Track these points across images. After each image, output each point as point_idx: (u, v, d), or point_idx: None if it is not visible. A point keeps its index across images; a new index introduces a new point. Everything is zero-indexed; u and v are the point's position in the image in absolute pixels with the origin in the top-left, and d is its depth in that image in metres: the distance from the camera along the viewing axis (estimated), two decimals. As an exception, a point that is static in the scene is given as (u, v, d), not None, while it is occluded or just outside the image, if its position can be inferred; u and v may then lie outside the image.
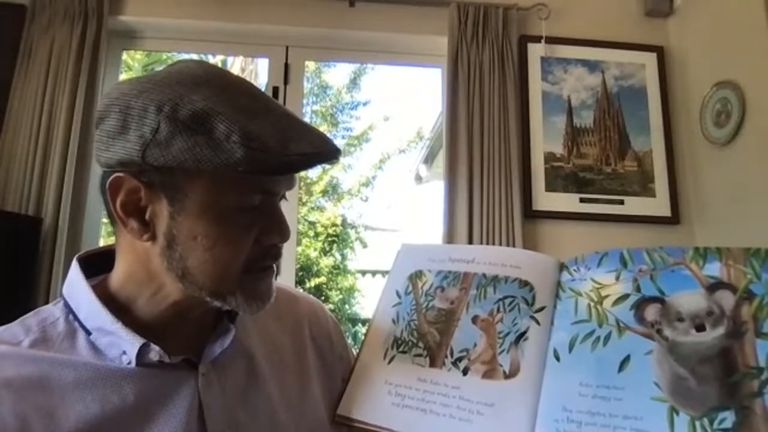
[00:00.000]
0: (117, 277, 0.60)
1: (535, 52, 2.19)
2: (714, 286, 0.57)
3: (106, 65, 2.05)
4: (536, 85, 2.17)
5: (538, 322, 0.65)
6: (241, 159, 0.51)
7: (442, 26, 2.12)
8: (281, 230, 0.59)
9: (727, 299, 0.56)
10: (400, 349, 0.70)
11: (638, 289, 0.61)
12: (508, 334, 0.65)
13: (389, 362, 0.70)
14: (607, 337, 0.60)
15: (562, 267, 0.68)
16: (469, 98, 2.07)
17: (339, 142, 6.20)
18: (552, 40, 2.19)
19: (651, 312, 0.59)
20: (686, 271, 0.59)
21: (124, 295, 0.59)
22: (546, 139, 2.14)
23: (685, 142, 2.17)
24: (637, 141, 2.18)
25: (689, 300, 0.57)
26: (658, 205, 2.13)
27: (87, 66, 1.95)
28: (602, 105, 2.20)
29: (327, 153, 0.56)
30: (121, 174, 0.55)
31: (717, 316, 0.55)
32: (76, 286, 0.59)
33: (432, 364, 0.67)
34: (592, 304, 0.63)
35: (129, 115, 0.53)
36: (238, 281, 0.57)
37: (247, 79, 0.66)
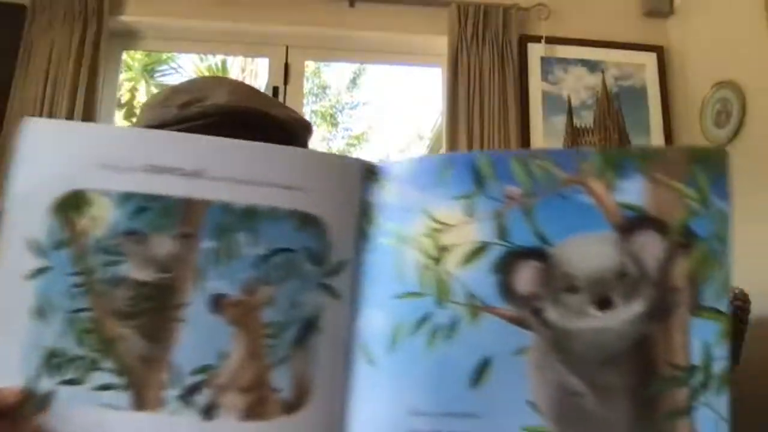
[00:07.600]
0: None
1: (535, 52, 2.18)
2: (632, 224, 0.34)
3: (106, 65, 2.04)
4: (536, 85, 2.17)
5: (335, 294, 0.37)
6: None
7: (442, 26, 2.12)
8: None
9: (651, 247, 0.33)
10: (64, 376, 0.35)
11: (503, 234, 0.35)
12: (284, 324, 0.37)
13: (41, 404, 0.35)
14: (454, 325, 0.35)
15: (370, 176, 0.39)
16: (469, 98, 2.06)
17: (339, 142, 6.21)
18: (552, 40, 2.19)
19: (525, 276, 0.34)
20: (585, 197, 0.34)
21: None
22: (546, 139, 2.13)
23: (685, 142, 2.17)
24: (637, 141, 2.17)
25: (588, 251, 0.34)
26: (658, 205, 2.13)
27: (87, 66, 1.94)
28: (602, 105, 2.20)
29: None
30: None
31: (633, 280, 0.33)
32: None
33: (139, 403, 0.35)
34: (425, 261, 0.35)
35: None
36: None
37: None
